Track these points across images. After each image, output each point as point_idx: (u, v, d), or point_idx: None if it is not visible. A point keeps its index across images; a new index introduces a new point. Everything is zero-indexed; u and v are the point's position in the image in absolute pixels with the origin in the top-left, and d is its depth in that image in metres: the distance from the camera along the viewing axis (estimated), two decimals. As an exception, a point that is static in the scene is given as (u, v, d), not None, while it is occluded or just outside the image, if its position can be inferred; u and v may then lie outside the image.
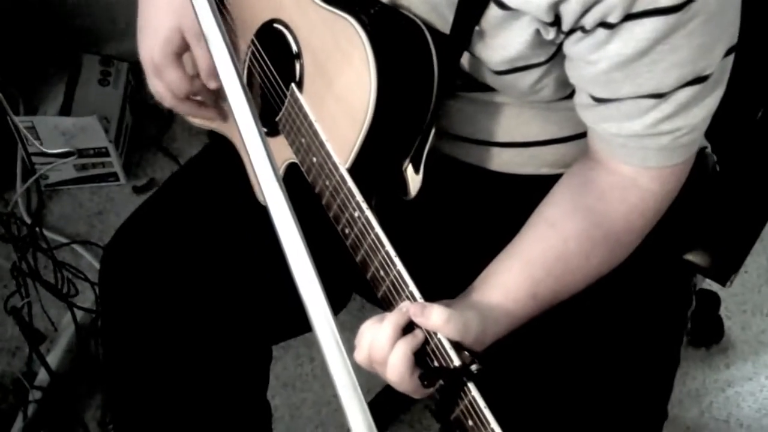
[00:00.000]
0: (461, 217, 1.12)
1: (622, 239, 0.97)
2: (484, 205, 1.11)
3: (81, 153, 1.94)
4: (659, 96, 0.88)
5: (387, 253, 0.88)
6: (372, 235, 0.90)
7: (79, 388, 1.73)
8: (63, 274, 1.61)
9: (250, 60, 1.07)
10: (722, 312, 1.81)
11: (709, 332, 1.80)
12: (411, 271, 0.88)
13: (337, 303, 1.25)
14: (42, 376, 1.68)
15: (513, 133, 1.05)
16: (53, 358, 1.71)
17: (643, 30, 0.83)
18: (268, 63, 1.04)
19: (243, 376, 1.21)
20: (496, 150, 1.07)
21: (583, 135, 1.00)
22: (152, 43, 1.07)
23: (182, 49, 1.07)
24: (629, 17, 0.82)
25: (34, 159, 1.91)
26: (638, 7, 0.82)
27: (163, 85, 1.09)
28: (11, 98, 2.00)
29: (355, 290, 1.25)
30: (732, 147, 1.20)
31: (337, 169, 0.93)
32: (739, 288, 1.86)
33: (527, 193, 1.00)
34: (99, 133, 1.90)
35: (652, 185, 0.95)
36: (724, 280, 1.16)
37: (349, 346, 0.71)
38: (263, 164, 0.71)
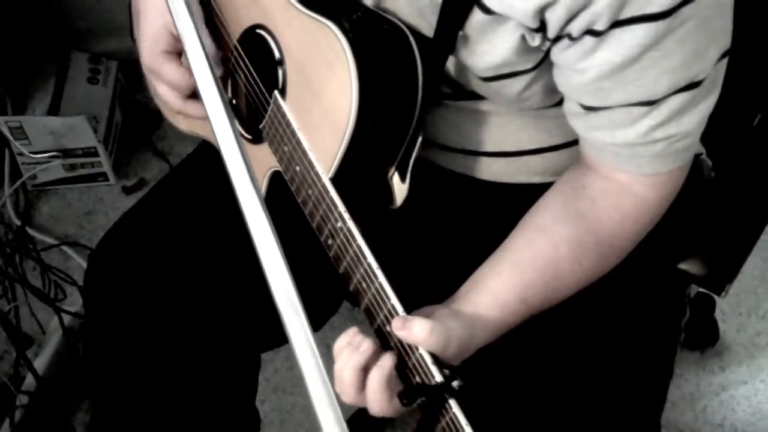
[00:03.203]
0: (452, 227, 1.10)
1: (615, 245, 0.95)
2: (475, 214, 1.09)
3: (70, 153, 1.92)
4: (651, 103, 0.86)
5: (369, 265, 0.86)
6: (354, 247, 0.88)
7: (67, 392, 1.72)
8: (50, 278, 1.59)
9: (234, 66, 1.05)
10: (717, 315, 1.79)
11: (704, 335, 1.78)
12: (394, 283, 0.86)
13: (326, 310, 1.23)
14: (29, 381, 1.66)
15: (502, 143, 1.03)
16: (41, 363, 1.69)
17: (632, 37, 0.81)
18: (251, 69, 1.02)
19: (231, 384, 1.20)
20: (485, 160, 1.05)
21: (574, 143, 0.98)
22: (143, 47, 1.05)
23: (172, 47, 1.04)
24: (617, 24, 0.80)
25: (22, 159, 1.90)
26: (626, 14, 0.79)
27: (165, 87, 1.06)
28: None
29: (345, 297, 1.23)
30: (728, 153, 1.19)
31: (319, 178, 0.91)
32: (734, 290, 1.84)
33: (519, 203, 0.98)
34: (88, 132, 1.88)
35: (648, 192, 0.93)
36: (719, 290, 1.14)
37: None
38: (240, 172, 0.70)
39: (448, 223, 1.10)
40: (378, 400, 0.84)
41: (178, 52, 1.04)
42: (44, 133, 1.88)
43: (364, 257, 0.87)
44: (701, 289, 1.69)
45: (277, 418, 1.72)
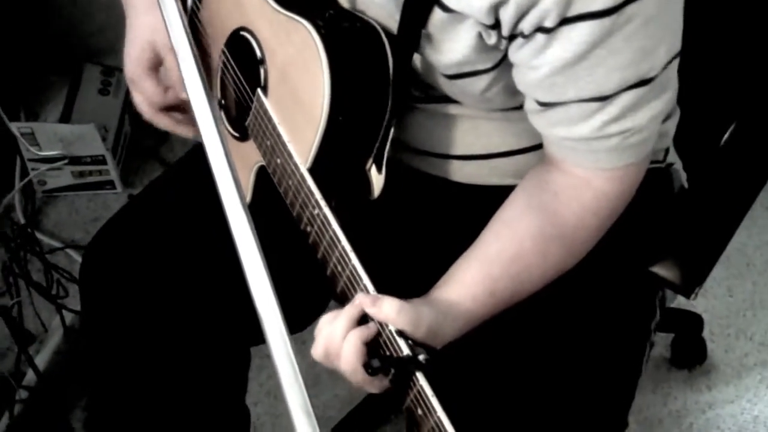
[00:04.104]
0: (428, 227, 1.14)
1: (578, 238, 0.99)
2: (450, 215, 1.13)
3: (78, 160, 1.97)
4: (603, 99, 0.90)
5: (343, 248, 0.91)
6: (330, 232, 0.92)
7: (67, 389, 1.75)
8: (53, 276, 1.63)
9: (222, 69, 1.11)
10: (706, 335, 1.81)
11: (692, 354, 1.80)
12: (368, 268, 0.90)
13: (313, 309, 1.26)
14: (30, 377, 1.70)
15: (473, 146, 1.08)
16: (42, 359, 1.73)
17: (579, 34, 0.85)
18: (237, 70, 1.07)
19: (221, 378, 1.22)
20: (457, 163, 1.09)
21: (542, 146, 1.02)
22: (128, 56, 1.14)
23: (154, 62, 1.13)
24: (565, 21, 0.84)
25: (32, 165, 1.96)
26: (572, 11, 0.84)
27: (141, 97, 1.15)
28: (13, 104, 2.04)
29: (332, 297, 1.26)
30: (701, 161, 1.22)
31: (297, 168, 0.95)
32: (724, 311, 1.87)
33: (492, 203, 1.02)
34: (96, 141, 1.94)
35: (606, 186, 0.97)
36: (688, 293, 1.17)
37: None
38: (224, 174, 0.75)
39: (425, 223, 1.14)
40: (351, 363, 0.87)
41: (157, 66, 1.12)
42: (54, 140, 1.93)
43: (339, 241, 0.91)
44: (689, 309, 1.74)
45: (268, 421, 1.75)
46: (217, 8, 1.10)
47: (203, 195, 1.18)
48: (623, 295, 1.12)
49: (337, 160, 0.96)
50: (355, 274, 0.89)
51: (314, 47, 0.91)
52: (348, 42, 0.93)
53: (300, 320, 1.25)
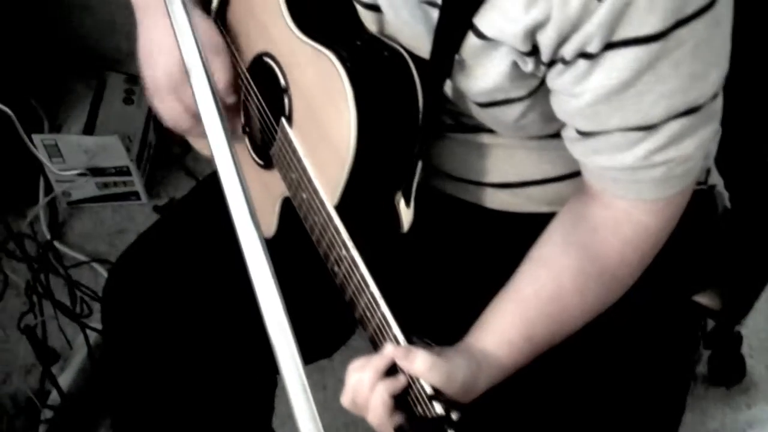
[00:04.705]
0: (461, 256, 1.10)
1: (618, 274, 0.94)
2: (484, 243, 1.09)
3: (103, 172, 1.95)
4: (648, 128, 0.84)
5: (372, 294, 0.87)
6: (357, 275, 0.88)
7: (90, 408, 1.73)
8: (77, 294, 1.61)
9: (245, 93, 1.07)
10: (745, 350, 1.76)
11: (730, 371, 1.75)
12: (398, 312, 0.87)
13: (341, 334, 1.23)
14: (54, 396, 1.68)
15: (506, 174, 1.03)
16: (66, 378, 1.71)
17: (625, 60, 0.80)
18: (260, 96, 1.03)
19: (246, 401, 1.20)
20: (491, 190, 1.05)
21: (578, 173, 0.97)
22: (168, 60, 1.04)
23: (178, 83, 1.06)
24: (609, 46, 0.79)
25: (55, 177, 1.94)
26: (618, 36, 0.78)
27: (181, 104, 1.06)
28: (35, 116, 2.02)
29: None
30: (745, 183, 1.17)
31: (324, 206, 0.92)
32: (763, 324, 1.82)
33: (528, 232, 0.98)
34: (121, 152, 1.91)
35: (648, 218, 0.92)
36: (734, 324, 1.12)
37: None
38: (238, 201, 0.71)
39: (457, 251, 1.10)
40: (378, 416, 0.84)
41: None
42: (79, 152, 1.91)
43: (367, 286, 0.87)
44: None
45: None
46: (242, 29, 1.06)
47: (225, 219, 1.17)
48: (665, 328, 1.08)
49: (364, 196, 0.92)
50: (384, 322, 0.86)
51: (339, 80, 0.87)
52: (375, 74, 0.89)
53: (328, 345, 1.22)
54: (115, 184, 2.00)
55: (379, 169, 0.91)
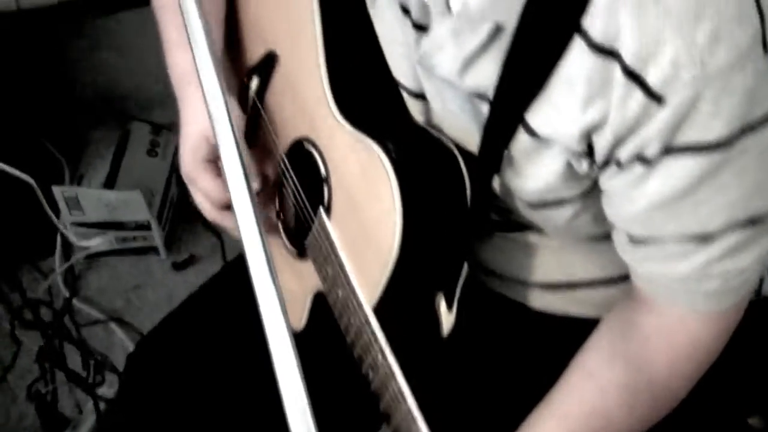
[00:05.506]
0: (502, 357, 1.04)
1: (668, 387, 0.88)
2: (526, 347, 1.03)
3: (123, 226, 1.90)
4: (705, 238, 0.78)
5: (409, 409, 0.80)
6: (394, 386, 0.81)
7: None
8: (89, 362, 1.55)
9: (282, 177, 1.01)
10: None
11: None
12: (437, 424, 0.80)
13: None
14: (63, 462, 1.62)
15: (553, 274, 0.98)
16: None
17: (684, 167, 0.73)
18: (297, 182, 0.97)
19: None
20: (537, 290, 0.99)
21: (628, 277, 0.90)
22: (183, 152, 1.02)
23: (212, 155, 1.01)
24: (668, 151, 0.73)
25: (74, 229, 1.88)
26: (678, 142, 0.72)
27: (201, 195, 1.03)
28: (57, 166, 1.97)
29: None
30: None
31: (361, 307, 0.85)
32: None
33: (573, 337, 0.91)
34: (142, 207, 1.86)
35: (701, 329, 0.86)
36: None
37: None
38: (268, 293, 0.66)
39: (499, 355, 1.03)
40: None
41: (215, 159, 1.01)
42: (99, 205, 1.85)
43: (404, 400, 0.80)
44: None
45: None
46: (282, 112, 1.00)
47: (251, 303, 1.11)
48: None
49: (404, 298, 0.85)
50: (421, 438, 0.79)
51: (384, 174, 0.80)
52: (422, 169, 0.82)
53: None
54: (135, 238, 1.94)
55: (422, 270, 0.84)
